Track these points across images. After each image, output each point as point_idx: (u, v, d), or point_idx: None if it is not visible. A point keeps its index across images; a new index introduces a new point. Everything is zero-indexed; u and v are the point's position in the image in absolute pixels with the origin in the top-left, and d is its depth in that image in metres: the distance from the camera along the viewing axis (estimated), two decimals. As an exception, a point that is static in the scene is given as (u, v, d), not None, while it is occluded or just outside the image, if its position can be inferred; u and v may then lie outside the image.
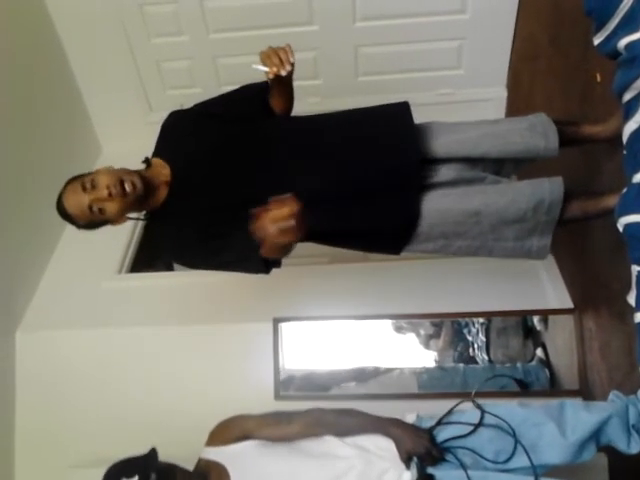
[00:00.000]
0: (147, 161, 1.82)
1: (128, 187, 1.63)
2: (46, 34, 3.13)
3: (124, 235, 3.12)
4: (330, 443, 1.65)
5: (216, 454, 1.66)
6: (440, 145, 1.81)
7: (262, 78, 1.74)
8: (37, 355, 2.66)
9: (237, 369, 2.59)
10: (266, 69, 1.66)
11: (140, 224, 3.05)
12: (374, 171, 1.74)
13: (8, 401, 2.59)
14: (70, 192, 1.68)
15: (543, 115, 1.89)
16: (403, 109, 1.86)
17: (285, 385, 2.59)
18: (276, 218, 1.37)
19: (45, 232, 2.99)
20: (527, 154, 1.84)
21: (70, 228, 3.04)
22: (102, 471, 1.61)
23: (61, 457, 2.52)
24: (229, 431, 1.69)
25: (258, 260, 1.62)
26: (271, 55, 1.66)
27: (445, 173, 1.81)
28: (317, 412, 1.70)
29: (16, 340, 2.67)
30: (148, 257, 3.22)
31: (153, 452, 1.63)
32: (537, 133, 1.82)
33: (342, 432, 1.66)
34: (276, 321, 2.58)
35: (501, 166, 1.90)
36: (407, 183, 1.75)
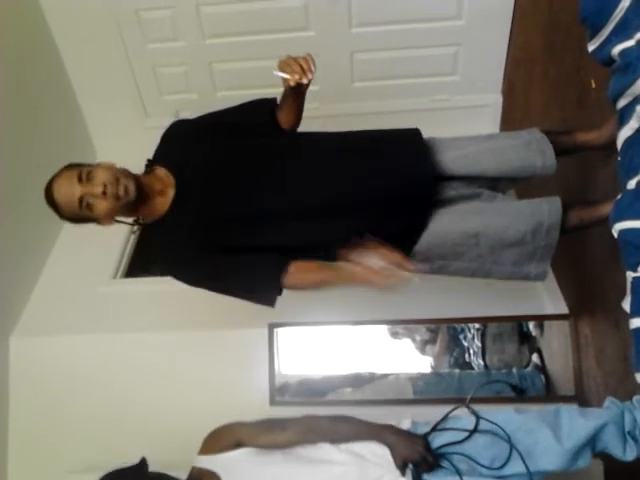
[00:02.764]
0: (149, 165, 1.76)
1: (121, 191, 1.57)
2: (42, 39, 3.13)
3: (119, 240, 3.11)
4: (325, 450, 1.64)
5: (209, 462, 1.65)
6: (441, 162, 1.78)
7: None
8: (31, 360, 2.65)
9: (232, 375, 2.58)
10: (287, 76, 1.62)
11: (135, 228, 3.04)
12: (383, 193, 1.71)
13: (1, 407, 2.57)
14: (64, 179, 1.59)
15: (537, 131, 1.86)
16: (414, 135, 1.83)
17: (281, 391, 2.58)
18: (386, 257, 1.44)
19: (40, 237, 2.98)
20: (524, 172, 1.81)
21: (65, 233, 3.10)
22: (97, 477, 1.60)
23: (56, 463, 2.50)
24: (222, 439, 1.68)
25: (274, 291, 1.63)
26: (291, 63, 1.62)
27: (442, 191, 1.78)
28: (310, 419, 1.69)
29: (10, 345, 2.65)
30: (144, 262, 3.21)
31: (143, 462, 1.62)
32: (533, 151, 1.79)
33: (336, 439, 1.65)
34: (272, 326, 2.58)
35: (497, 182, 1.87)
36: (417, 206, 1.74)
